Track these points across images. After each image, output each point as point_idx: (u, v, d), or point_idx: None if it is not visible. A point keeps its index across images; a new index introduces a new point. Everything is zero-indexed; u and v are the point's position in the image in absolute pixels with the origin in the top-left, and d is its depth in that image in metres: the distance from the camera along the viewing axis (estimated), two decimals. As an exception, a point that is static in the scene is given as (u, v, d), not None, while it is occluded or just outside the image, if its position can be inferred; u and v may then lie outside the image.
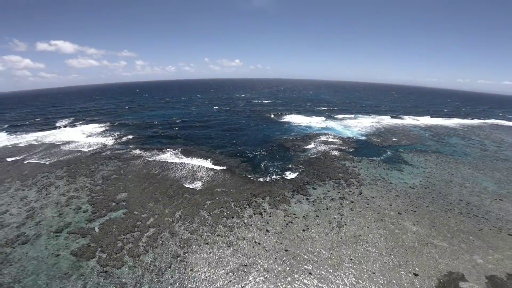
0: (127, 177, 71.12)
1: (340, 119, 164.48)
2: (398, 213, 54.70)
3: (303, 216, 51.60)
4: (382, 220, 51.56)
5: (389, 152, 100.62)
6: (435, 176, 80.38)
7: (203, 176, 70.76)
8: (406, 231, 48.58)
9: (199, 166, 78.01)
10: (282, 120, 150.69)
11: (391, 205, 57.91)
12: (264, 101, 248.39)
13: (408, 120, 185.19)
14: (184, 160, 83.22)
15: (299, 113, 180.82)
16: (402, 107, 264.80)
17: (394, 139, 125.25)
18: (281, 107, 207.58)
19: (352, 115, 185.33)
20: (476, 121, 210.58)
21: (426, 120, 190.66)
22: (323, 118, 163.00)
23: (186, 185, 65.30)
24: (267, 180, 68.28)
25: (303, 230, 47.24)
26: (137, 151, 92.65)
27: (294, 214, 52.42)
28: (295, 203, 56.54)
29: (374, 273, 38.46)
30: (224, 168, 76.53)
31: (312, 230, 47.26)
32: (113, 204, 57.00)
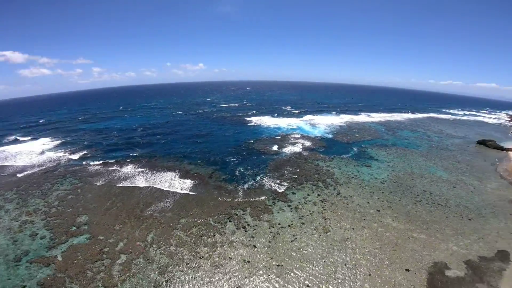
0: (85, 197, 62.82)
1: (307, 119, 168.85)
2: (377, 210, 56.82)
3: (289, 225, 50.25)
4: (364, 219, 52.87)
5: (355, 149, 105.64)
6: (398, 169, 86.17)
7: (173, 191, 65.44)
8: (388, 228, 50.47)
9: (167, 179, 72.02)
10: (251, 123, 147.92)
11: (368, 202, 59.98)
12: (231, 104, 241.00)
13: (366, 117, 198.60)
14: (150, 174, 76.28)
15: (267, 114, 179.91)
16: (362, 106, 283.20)
17: (357, 135, 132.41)
18: (249, 109, 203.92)
19: (318, 115, 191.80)
20: (419, 115, 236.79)
21: (381, 116, 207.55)
22: (291, 119, 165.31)
23: (155, 203, 59.30)
24: (245, 189, 65.58)
25: (292, 241, 45.86)
26: (95, 167, 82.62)
27: (279, 223, 50.81)
28: (278, 212, 55.00)
29: (370, 275, 38.82)
30: (196, 179, 71.54)
31: (301, 240, 46.13)
32: (74, 228, 50.07)
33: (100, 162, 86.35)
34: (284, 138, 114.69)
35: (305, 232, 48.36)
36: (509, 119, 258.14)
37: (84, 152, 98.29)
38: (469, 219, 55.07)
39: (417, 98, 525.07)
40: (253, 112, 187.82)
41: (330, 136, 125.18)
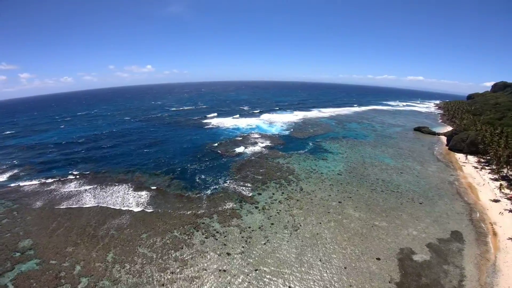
0: (24, 220, 54.06)
1: (265, 118, 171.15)
2: (339, 202, 59.23)
3: (259, 228, 49.34)
4: (328, 212, 54.58)
5: (310, 144, 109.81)
6: (351, 159, 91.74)
7: (128, 205, 59.37)
8: (352, 218, 52.78)
9: (119, 194, 65.21)
10: (208, 126, 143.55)
11: (330, 195, 62.26)
12: (185, 107, 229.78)
13: (318, 113, 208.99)
14: (98, 189, 68.29)
15: (225, 116, 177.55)
16: (315, 102, 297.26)
17: (311, 130, 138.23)
18: (206, 112, 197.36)
19: (274, 113, 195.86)
20: (363, 108, 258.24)
21: (331, 111, 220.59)
22: (249, 118, 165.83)
23: (109, 220, 53.13)
24: (209, 195, 62.74)
25: (265, 243, 45.01)
26: (30, 187, 71.09)
27: (249, 227, 49.57)
28: (246, 215, 53.71)
29: (345, 267, 39.82)
30: (153, 190, 66.15)
31: (273, 241, 45.52)
32: (18, 254, 43.84)
33: (37, 181, 74.71)
34: (244, 138, 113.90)
35: (276, 233, 47.88)
36: (436, 107, 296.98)
37: (15, 171, 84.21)
38: (420, 203, 60.55)
39: (361, 92, 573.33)
40: (210, 115, 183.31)
41: (287, 133, 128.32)
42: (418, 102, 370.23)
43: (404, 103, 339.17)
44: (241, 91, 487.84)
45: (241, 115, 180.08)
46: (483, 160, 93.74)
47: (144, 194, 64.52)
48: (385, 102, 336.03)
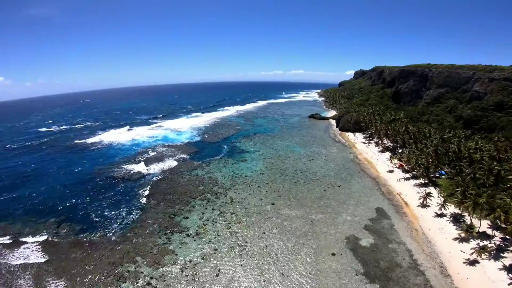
0: None
1: (170, 125, 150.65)
2: (272, 204, 56.94)
3: (202, 259, 40.90)
4: (268, 218, 51.30)
5: (225, 146, 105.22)
6: (268, 155, 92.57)
7: (7, 269, 39.27)
8: (290, 218, 51.21)
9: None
10: (97, 145, 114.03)
11: (261, 199, 59.30)
12: (62, 126, 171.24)
13: (225, 112, 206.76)
14: None
15: (118, 129, 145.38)
16: (220, 101, 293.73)
17: (222, 131, 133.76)
18: (92, 129, 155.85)
19: (179, 118, 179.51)
20: (263, 103, 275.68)
21: (236, 109, 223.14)
22: (151, 129, 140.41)
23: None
24: (118, 234, 48.65)
25: (217, 275, 37.36)
26: None
27: (190, 261, 40.40)
28: (180, 247, 43.87)
29: (310, 274, 37.30)
30: (34, 243, 46.68)
31: (225, 270, 38.33)
32: None
33: None
34: (147, 154, 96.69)
35: (224, 258, 40.78)
36: (318, 95, 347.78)
37: None
38: (339, 186, 65.31)
39: (258, 88, 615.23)
40: (98, 131, 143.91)
41: (199, 138, 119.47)
42: (304, 92, 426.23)
43: (294, 94, 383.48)
44: (136, 98, 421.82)
45: (141, 126, 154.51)
46: (367, 136, 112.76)
47: (25, 249, 44.98)
48: (279, 95, 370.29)
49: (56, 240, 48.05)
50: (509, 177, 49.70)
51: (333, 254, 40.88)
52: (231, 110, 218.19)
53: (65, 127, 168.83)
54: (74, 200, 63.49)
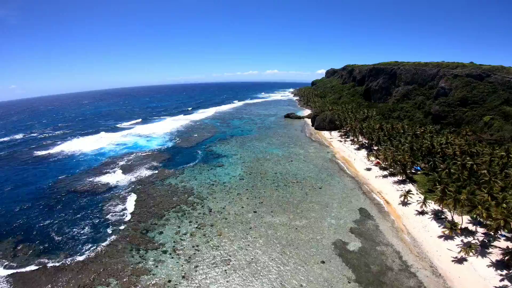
0: None
1: (140, 131, 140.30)
2: (254, 212, 53.71)
3: (183, 277, 36.67)
4: (250, 228, 48.03)
5: (200, 152, 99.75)
6: (246, 159, 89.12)
7: None
8: (274, 226, 48.45)
9: None
10: (58, 156, 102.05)
11: (242, 207, 55.84)
12: (17, 136, 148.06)
13: (199, 115, 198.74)
14: None
15: (79, 137, 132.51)
16: (194, 103, 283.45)
17: (197, 135, 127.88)
18: (51, 138, 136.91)
19: (151, 123, 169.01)
20: (238, 104, 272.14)
21: (211, 111, 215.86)
22: (119, 136, 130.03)
23: None
24: (86, 255, 42.60)
25: None
26: None
27: (169, 281, 36.00)
28: (156, 266, 39.16)
29: (301, 285, 34.87)
30: None
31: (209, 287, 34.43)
32: None
33: None
34: (114, 164, 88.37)
35: (206, 274, 37.06)
36: (292, 94, 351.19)
37: None
38: (320, 188, 63.75)
39: (234, 88, 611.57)
40: (56, 141, 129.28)
41: (171, 144, 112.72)
42: (279, 92, 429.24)
43: (269, 94, 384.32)
44: (99, 102, 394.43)
45: (107, 132, 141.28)
46: (343, 134, 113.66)
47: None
48: (255, 95, 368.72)
49: (15, 263, 41.44)
50: (482, 171, 51.00)
51: (323, 262, 38.91)
52: (206, 112, 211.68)
53: (15, 135, 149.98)
54: (31, 217, 55.90)
